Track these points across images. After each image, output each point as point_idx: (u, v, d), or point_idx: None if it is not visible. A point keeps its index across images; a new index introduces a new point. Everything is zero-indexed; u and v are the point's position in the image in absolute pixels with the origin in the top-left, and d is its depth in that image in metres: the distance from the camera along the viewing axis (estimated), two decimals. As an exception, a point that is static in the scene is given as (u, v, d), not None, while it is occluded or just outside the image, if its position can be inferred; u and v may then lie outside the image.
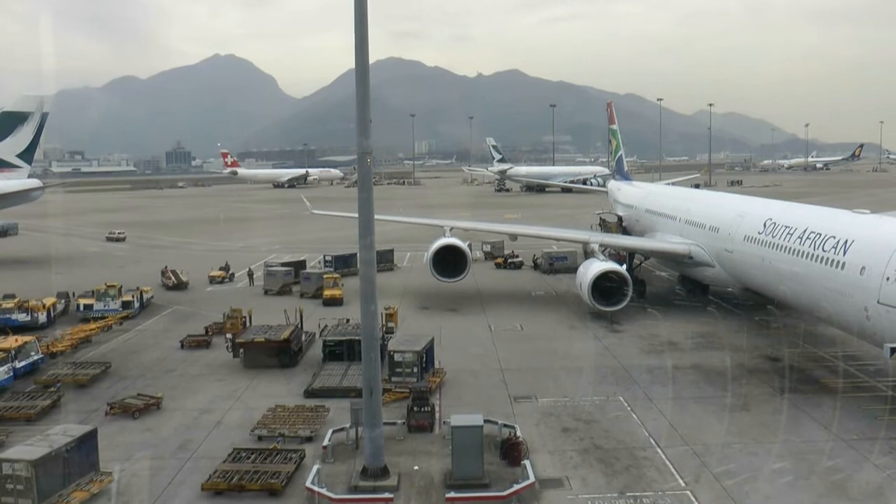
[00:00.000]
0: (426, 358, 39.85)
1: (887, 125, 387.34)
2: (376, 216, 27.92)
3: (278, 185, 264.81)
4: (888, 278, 33.68)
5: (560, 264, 72.69)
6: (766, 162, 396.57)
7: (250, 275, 71.86)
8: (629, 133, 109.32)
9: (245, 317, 50.67)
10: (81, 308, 56.16)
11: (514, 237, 72.43)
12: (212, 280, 71.33)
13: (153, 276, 70.08)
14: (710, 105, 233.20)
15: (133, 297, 58.03)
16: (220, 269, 73.68)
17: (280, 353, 43.25)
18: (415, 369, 38.54)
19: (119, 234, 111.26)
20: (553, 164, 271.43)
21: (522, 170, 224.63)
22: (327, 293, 61.15)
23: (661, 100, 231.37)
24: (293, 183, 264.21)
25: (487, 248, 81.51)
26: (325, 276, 64.55)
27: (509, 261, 77.66)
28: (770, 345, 46.46)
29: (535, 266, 75.74)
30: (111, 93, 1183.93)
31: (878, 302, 34.11)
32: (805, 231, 43.52)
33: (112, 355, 45.65)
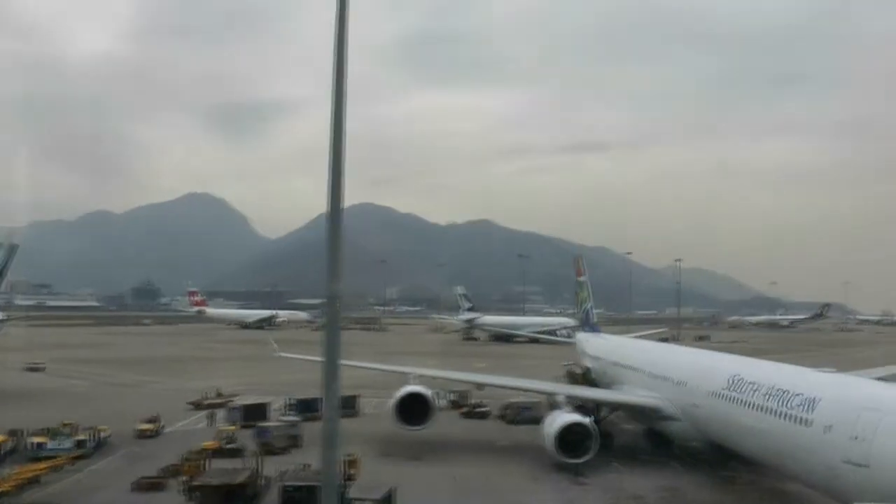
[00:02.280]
0: (387, 507, 39.02)
1: (851, 286, 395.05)
2: (342, 361, 27.73)
3: (245, 326, 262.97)
4: (855, 437, 33.97)
5: (526, 415, 72.04)
6: (732, 318, 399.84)
7: (210, 416, 70.84)
8: (598, 285, 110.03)
9: (205, 459, 49.57)
10: (33, 446, 54.71)
11: (480, 386, 71.94)
12: (140, 434, 62.98)
13: (112, 416, 68.56)
14: (678, 260, 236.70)
15: (88, 436, 56.75)
16: (148, 420, 65.47)
17: (235, 498, 42.23)
18: (375, 519, 37.64)
19: (38, 364, 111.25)
20: (522, 315, 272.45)
21: (490, 319, 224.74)
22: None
23: (629, 253, 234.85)
24: (261, 324, 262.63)
25: (454, 396, 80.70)
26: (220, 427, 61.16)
27: (475, 410, 76.97)
28: (736, 500, 46.11)
29: (503, 416, 74.97)
30: (84, 226, 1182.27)
31: (845, 461, 34.22)
32: (771, 388, 43.95)
33: (60, 497, 44.34)
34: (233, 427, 62.31)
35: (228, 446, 57.00)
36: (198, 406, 76.93)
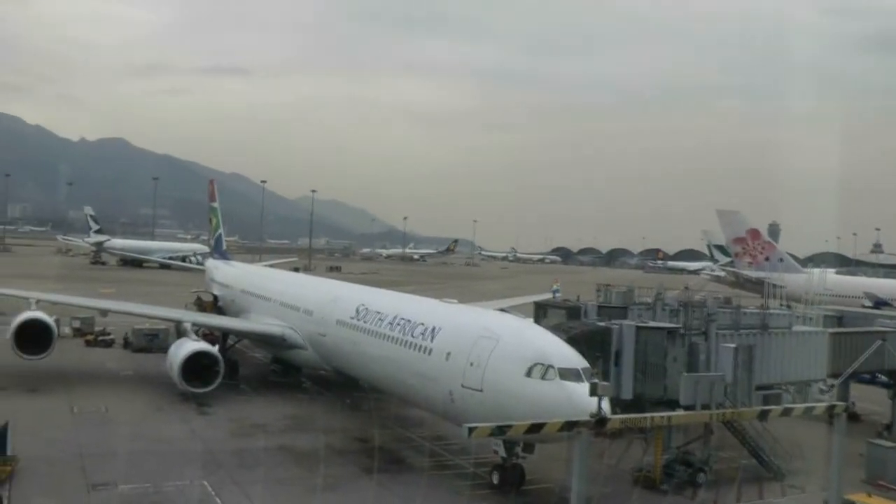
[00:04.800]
0: (-3, 444, 36.25)
1: (480, 224, 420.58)
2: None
3: None
4: (471, 363, 36.13)
5: (152, 343, 70.02)
6: (365, 250, 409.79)
7: None
8: (232, 213, 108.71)
9: None
10: None
11: (105, 313, 68.61)
12: None
13: None
14: (313, 191, 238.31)
15: None
16: None
17: None
18: (-17, 457, 34.86)
19: None
20: (153, 239, 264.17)
21: (119, 243, 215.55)
22: None
23: (265, 182, 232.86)
24: None
25: (77, 324, 76.52)
26: None
27: (100, 338, 73.64)
28: (360, 427, 47.53)
29: (128, 345, 72.30)
30: None
31: (461, 386, 36.43)
32: (395, 317, 45.49)
33: None
34: None
35: None
36: None
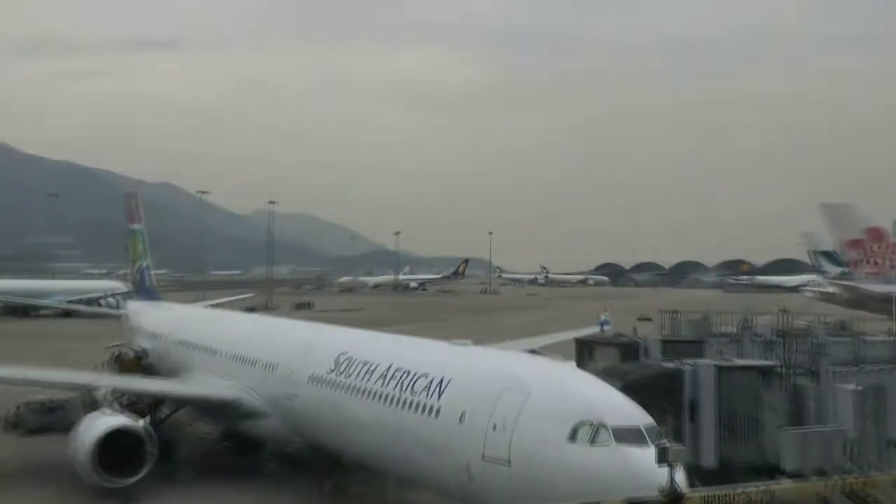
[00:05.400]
0: None
1: (498, 237, 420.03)
2: None
3: None
4: (495, 426, 35.23)
5: (52, 419, 69.53)
6: (345, 279, 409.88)
7: None
8: (162, 236, 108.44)
9: None
10: None
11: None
12: None
13: None
14: (272, 203, 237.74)
15: None
16: None
17: None
18: None
19: None
20: (51, 277, 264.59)
21: (2, 285, 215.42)
22: None
23: (205, 192, 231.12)
24: None
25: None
26: None
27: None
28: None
29: (17, 424, 71.75)
30: None
31: (482, 457, 35.51)
32: (389, 368, 45.00)
33: None
34: None
35: None
36: None
